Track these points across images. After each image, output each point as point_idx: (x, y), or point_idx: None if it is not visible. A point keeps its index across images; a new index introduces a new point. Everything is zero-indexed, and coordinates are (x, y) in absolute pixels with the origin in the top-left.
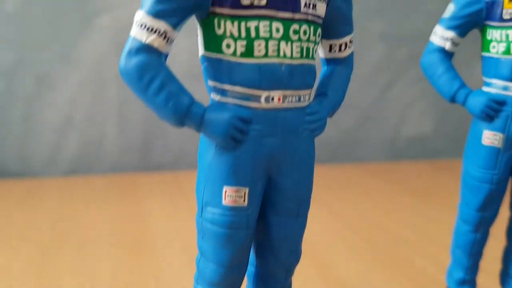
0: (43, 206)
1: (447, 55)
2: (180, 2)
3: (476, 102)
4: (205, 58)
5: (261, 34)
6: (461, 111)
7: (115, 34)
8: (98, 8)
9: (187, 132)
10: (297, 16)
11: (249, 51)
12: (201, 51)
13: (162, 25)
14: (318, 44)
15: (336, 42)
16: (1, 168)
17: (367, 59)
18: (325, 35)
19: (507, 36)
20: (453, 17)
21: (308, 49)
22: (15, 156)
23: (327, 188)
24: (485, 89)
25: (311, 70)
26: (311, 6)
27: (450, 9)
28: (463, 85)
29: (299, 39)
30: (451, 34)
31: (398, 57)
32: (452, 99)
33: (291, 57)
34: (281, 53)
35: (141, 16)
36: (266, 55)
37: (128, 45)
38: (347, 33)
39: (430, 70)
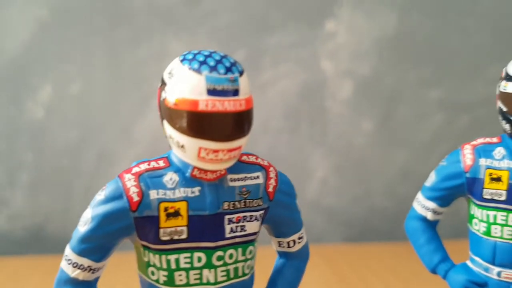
0: None
1: (430, 223)
2: (102, 241)
3: (455, 281)
4: (139, 275)
5: (182, 265)
6: None
7: None
8: (155, 89)
9: None
10: (221, 243)
11: (170, 281)
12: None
13: (85, 262)
14: (251, 259)
15: (284, 240)
16: (62, 239)
17: (425, 127)
18: (272, 233)
19: (487, 216)
20: (433, 188)
21: (236, 269)
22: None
23: (384, 269)
24: (469, 264)
25: (245, 284)
26: (238, 228)
27: (431, 178)
28: (444, 259)
29: (224, 264)
30: (432, 204)
31: (459, 125)
32: (433, 272)
33: (215, 282)
34: (204, 280)
35: (67, 251)
36: (187, 283)
37: (58, 275)
38: (294, 232)
39: (413, 237)
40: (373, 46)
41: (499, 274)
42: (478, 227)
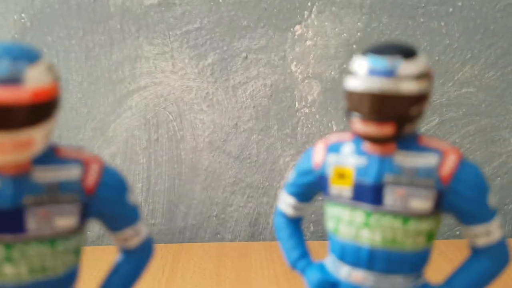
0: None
1: (292, 219)
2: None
3: (310, 279)
4: None
5: None
6: (506, 178)
7: (144, 112)
8: (129, 90)
9: (207, 201)
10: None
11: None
12: None
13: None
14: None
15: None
16: None
17: None
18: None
19: (335, 213)
20: (292, 184)
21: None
22: None
23: None
24: (327, 263)
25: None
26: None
27: (291, 175)
28: (302, 255)
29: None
30: (292, 200)
31: (429, 127)
32: (293, 267)
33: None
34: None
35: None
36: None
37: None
38: (125, 226)
39: (277, 233)
40: (341, 49)
41: (348, 274)
42: (329, 225)
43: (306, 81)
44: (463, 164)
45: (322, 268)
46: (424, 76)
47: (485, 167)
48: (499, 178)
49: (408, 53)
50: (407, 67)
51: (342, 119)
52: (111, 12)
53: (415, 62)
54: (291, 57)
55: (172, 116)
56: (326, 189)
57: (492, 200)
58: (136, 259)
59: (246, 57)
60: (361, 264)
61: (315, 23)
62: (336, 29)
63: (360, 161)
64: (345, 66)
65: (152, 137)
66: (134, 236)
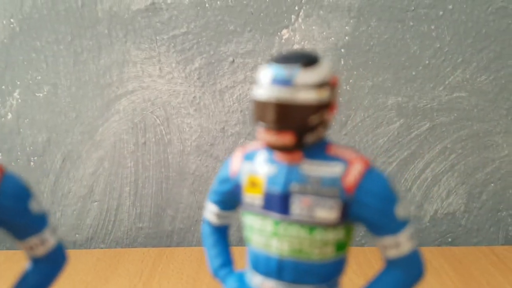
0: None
1: (217, 228)
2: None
3: None
4: None
5: None
6: (499, 184)
7: (131, 116)
8: (117, 94)
9: (194, 205)
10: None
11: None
12: None
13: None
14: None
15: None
16: None
17: (383, 134)
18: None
19: (249, 223)
20: (214, 192)
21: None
22: None
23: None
24: (247, 272)
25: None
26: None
27: (214, 183)
28: (223, 264)
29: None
30: (214, 208)
31: (419, 132)
32: (215, 276)
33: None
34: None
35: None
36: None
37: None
38: (29, 234)
39: (203, 241)
40: (329, 53)
41: (261, 283)
42: (245, 234)
43: None
44: (368, 174)
45: (241, 277)
46: (324, 85)
47: (478, 173)
48: (492, 184)
49: (307, 62)
50: (305, 76)
51: (332, 122)
52: (99, 17)
53: (315, 71)
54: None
55: (159, 120)
56: (240, 198)
57: (401, 211)
58: (44, 268)
59: (233, 61)
60: (271, 274)
61: (303, 27)
62: (324, 33)
63: (271, 169)
64: (333, 70)
65: (139, 141)
66: (40, 245)
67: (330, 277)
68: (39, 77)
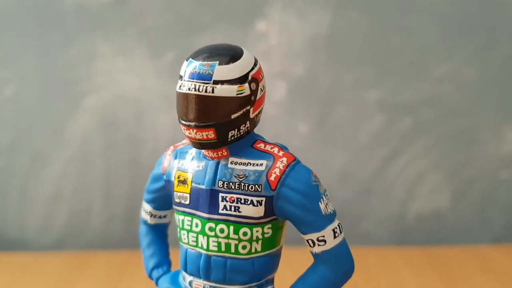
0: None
1: (153, 227)
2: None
3: None
4: None
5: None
6: (485, 181)
7: (101, 113)
8: (85, 90)
9: None
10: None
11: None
12: None
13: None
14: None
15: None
16: (2, 238)
17: (364, 129)
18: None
19: (179, 221)
20: (147, 190)
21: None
22: (13, 226)
23: None
24: (180, 275)
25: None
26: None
27: (148, 182)
28: (157, 265)
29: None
30: (148, 207)
31: (401, 127)
32: (150, 277)
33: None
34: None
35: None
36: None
37: None
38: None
39: (140, 241)
40: (307, 46)
41: (190, 283)
42: (178, 233)
43: (271, 80)
44: (292, 169)
45: (174, 278)
46: (245, 80)
47: (463, 169)
48: (478, 181)
49: (227, 56)
50: (224, 71)
51: (310, 118)
52: (67, 10)
53: (235, 66)
54: (254, 55)
55: (131, 117)
56: (172, 195)
57: (325, 207)
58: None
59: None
60: (200, 273)
61: (280, 19)
62: (302, 26)
63: (198, 166)
64: (311, 64)
65: (110, 139)
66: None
67: (260, 275)
68: (4, 74)
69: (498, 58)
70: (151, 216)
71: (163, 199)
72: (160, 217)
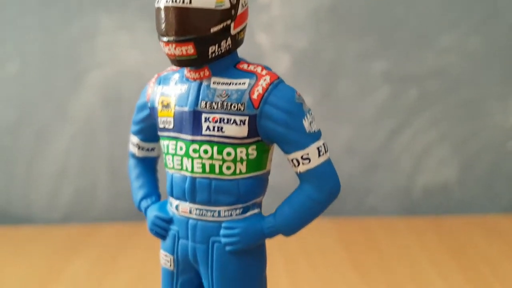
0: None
1: (141, 160)
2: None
3: (148, 218)
4: None
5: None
6: (492, 153)
7: (104, 89)
8: (88, 66)
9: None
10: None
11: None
12: None
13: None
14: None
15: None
16: (7, 214)
17: (369, 101)
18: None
19: (163, 146)
20: (134, 121)
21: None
22: (19, 203)
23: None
24: (168, 203)
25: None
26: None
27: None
28: (146, 196)
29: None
30: (135, 139)
31: (407, 98)
32: (139, 209)
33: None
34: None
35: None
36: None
37: None
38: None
39: (129, 176)
40: (310, 18)
41: (177, 207)
42: (163, 160)
43: (274, 53)
44: (275, 87)
45: (161, 206)
46: None
47: (470, 141)
48: (484, 153)
49: None
50: None
51: (314, 91)
52: None
53: None
54: (257, 28)
55: (134, 92)
56: (157, 123)
57: (309, 125)
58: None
59: None
60: (185, 196)
61: None
62: None
63: (182, 89)
64: (315, 36)
65: (114, 115)
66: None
67: (245, 197)
68: (7, 50)
69: (504, 27)
70: (138, 148)
71: (149, 130)
72: (148, 149)
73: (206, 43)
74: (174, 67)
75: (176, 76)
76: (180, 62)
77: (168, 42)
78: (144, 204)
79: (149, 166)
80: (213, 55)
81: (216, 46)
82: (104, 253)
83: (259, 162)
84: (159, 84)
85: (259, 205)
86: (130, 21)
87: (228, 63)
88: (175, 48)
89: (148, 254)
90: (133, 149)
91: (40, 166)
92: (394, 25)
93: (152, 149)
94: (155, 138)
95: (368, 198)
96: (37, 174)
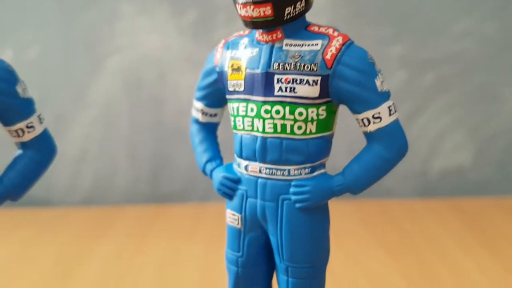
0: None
1: (204, 125)
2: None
3: (214, 179)
4: None
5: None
6: (507, 137)
7: (124, 74)
8: (108, 51)
9: (193, 165)
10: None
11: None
12: None
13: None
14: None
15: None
16: (27, 196)
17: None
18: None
19: (233, 109)
20: (198, 88)
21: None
22: (40, 186)
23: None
24: (234, 164)
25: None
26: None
27: (199, 80)
28: (211, 159)
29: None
30: (199, 105)
31: (423, 83)
32: (204, 173)
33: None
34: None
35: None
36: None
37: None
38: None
39: (191, 141)
40: (327, 2)
41: (246, 168)
42: (232, 123)
43: None
44: (348, 47)
45: (227, 167)
46: None
47: (485, 126)
48: (499, 137)
49: None
50: None
51: None
52: None
53: None
54: None
55: (153, 77)
56: (226, 86)
57: (380, 84)
58: (32, 154)
59: (229, 12)
60: (256, 156)
61: None
62: None
63: (252, 52)
64: (332, 19)
65: (133, 99)
66: (27, 131)
67: (314, 157)
68: (28, 36)
69: None
70: (202, 113)
71: (215, 95)
72: (211, 115)
73: (283, 4)
74: (242, 32)
75: (245, 40)
76: (255, 24)
77: (246, 4)
78: (209, 166)
79: (211, 131)
80: (288, 16)
81: (292, 7)
82: (131, 235)
83: (327, 123)
84: (228, 48)
85: (324, 166)
86: (150, 6)
87: (299, 25)
88: (253, 10)
89: (174, 235)
90: (197, 115)
91: (60, 150)
92: (410, 10)
93: (215, 115)
94: (219, 104)
95: (384, 180)
96: (57, 158)
